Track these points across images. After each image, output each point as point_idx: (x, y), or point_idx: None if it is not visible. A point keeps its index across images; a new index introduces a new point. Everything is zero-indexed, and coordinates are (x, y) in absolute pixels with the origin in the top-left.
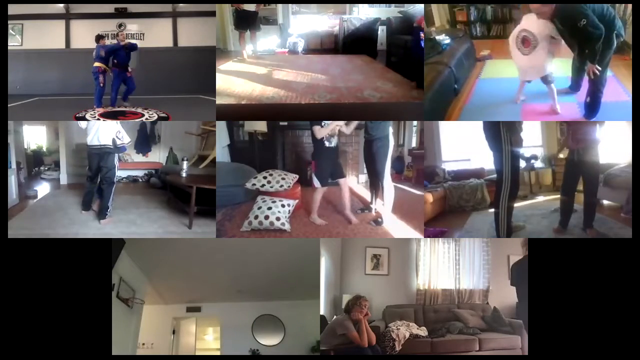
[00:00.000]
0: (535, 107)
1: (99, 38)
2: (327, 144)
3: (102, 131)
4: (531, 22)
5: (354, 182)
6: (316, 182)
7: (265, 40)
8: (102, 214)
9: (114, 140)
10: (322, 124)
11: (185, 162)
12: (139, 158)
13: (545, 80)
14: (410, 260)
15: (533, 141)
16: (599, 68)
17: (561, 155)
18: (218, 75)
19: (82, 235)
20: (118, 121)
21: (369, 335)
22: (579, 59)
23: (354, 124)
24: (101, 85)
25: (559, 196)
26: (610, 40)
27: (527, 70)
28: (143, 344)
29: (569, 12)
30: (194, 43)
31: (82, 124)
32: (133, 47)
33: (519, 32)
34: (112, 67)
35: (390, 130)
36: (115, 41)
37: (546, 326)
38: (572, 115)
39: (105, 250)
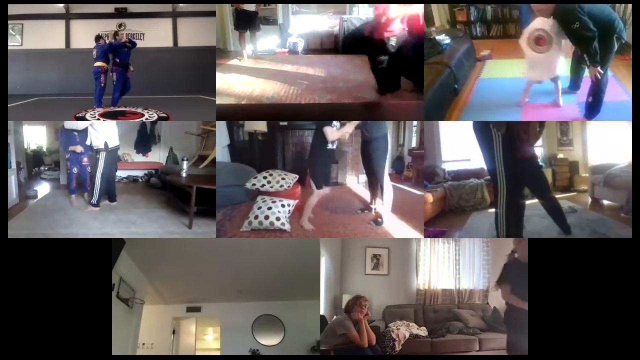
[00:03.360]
0: (536, 107)
1: (98, 38)
2: (329, 146)
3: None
4: (544, 22)
5: (354, 182)
6: (313, 186)
7: (265, 40)
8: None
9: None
10: (332, 125)
11: (185, 162)
12: (139, 158)
13: (555, 78)
14: (410, 260)
15: None
16: (601, 72)
17: (560, 155)
18: (218, 75)
19: (82, 235)
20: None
21: (369, 335)
22: (577, 59)
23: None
24: (102, 85)
25: (558, 196)
26: (609, 43)
27: (540, 70)
28: (143, 344)
29: (564, 13)
30: (194, 43)
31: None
32: (134, 43)
33: (531, 31)
34: (113, 67)
35: (389, 129)
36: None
37: (546, 326)
38: (572, 115)
39: (105, 250)
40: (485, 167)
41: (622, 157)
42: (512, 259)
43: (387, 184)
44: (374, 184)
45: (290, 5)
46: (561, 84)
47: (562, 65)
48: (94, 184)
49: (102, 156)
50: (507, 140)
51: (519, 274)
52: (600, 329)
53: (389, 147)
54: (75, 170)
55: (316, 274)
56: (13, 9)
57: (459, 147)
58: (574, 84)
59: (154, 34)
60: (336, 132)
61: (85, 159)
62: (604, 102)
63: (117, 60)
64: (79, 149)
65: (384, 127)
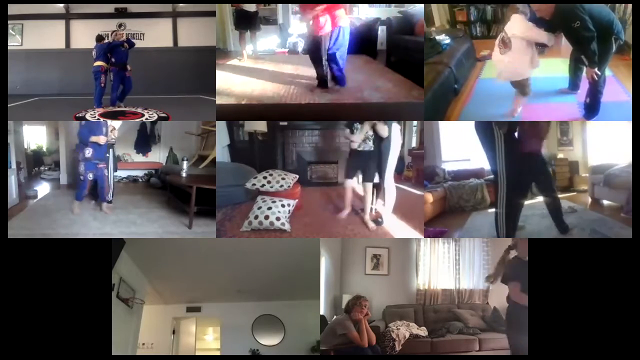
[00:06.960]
0: (535, 107)
1: (100, 38)
2: (355, 147)
3: None
4: (515, 24)
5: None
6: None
7: (265, 40)
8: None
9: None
10: (355, 128)
11: (185, 162)
12: (139, 158)
13: (519, 85)
14: (410, 260)
15: None
16: (598, 73)
17: (560, 155)
18: (218, 75)
19: (82, 235)
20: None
21: (369, 335)
22: (574, 59)
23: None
24: (102, 85)
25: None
26: (608, 43)
27: (502, 70)
28: (143, 344)
29: (565, 12)
30: (194, 43)
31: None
32: (131, 43)
33: (503, 32)
34: (110, 67)
35: (398, 129)
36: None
37: (546, 326)
38: (573, 115)
39: (105, 250)
40: (489, 167)
41: (622, 157)
42: (514, 257)
43: (391, 184)
44: (378, 184)
45: (290, 5)
46: (523, 97)
47: (529, 73)
48: (110, 182)
49: (111, 152)
50: (509, 138)
51: (523, 272)
52: (600, 329)
53: (396, 148)
54: (90, 176)
55: (316, 274)
56: (13, 9)
57: (459, 147)
58: (573, 85)
59: (154, 34)
60: (354, 136)
61: (102, 164)
62: (604, 102)
63: (114, 60)
64: (102, 140)
65: (394, 127)
